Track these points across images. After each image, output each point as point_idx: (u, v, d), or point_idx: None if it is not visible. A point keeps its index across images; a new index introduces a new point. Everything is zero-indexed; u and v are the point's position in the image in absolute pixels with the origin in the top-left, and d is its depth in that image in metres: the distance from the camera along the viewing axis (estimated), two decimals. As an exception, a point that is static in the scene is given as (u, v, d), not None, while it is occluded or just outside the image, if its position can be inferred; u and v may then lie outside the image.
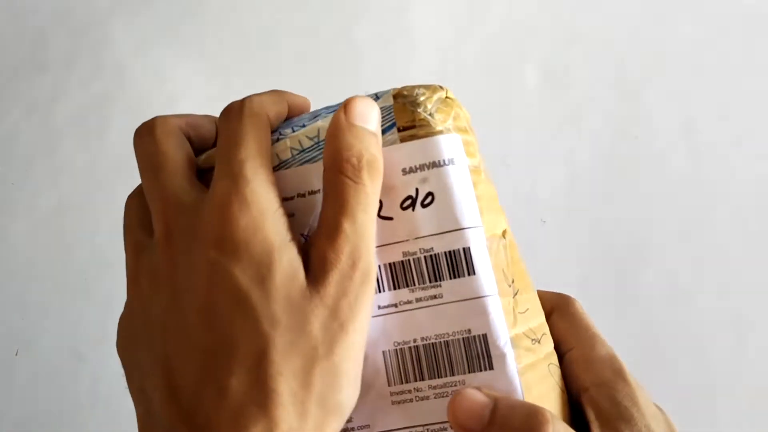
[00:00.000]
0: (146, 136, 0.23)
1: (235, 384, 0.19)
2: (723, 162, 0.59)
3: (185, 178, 0.22)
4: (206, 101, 0.64)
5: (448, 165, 0.22)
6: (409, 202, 0.22)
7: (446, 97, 0.24)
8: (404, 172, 0.22)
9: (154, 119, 0.24)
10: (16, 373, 0.56)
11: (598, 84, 0.63)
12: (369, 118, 0.22)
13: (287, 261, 0.20)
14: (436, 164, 0.22)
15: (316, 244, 0.21)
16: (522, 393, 0.21)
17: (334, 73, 0.65)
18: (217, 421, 0.19)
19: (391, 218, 0.22)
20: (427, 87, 0.23)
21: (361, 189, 0.21)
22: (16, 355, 0.56)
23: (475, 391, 0.21)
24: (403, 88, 0.23)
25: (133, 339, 0.22)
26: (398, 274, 0.22)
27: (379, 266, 0.22)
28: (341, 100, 0.24)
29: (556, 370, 0.24)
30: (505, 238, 0.24)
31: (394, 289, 0.22)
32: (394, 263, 0.22)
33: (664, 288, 0.55)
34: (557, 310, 0.26)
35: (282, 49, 0.68)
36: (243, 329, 0.19)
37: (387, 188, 0.22)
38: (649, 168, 0.59)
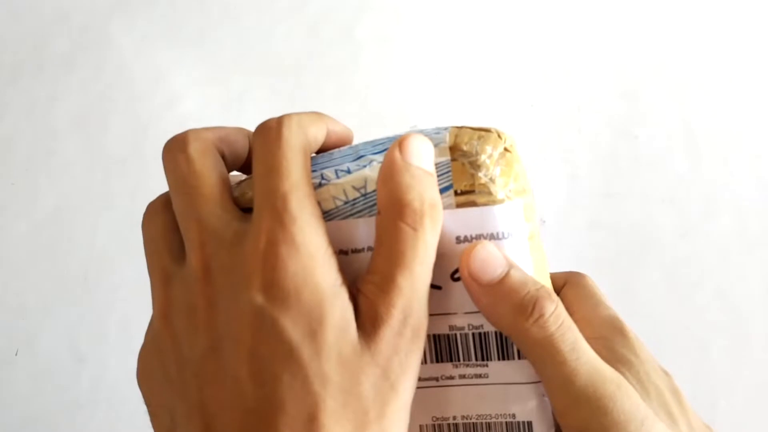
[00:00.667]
0: (179, 153, 0.21)
1: None
2: (723, 162, 0.59)
3: (224, 207, 0.20)
4: (206, 101, 0.64)
5: (506, 238, 0.20)
6: (459, 273, 0.21)
7: (505, 149, 0.22)
8: (458, 240, 0.20)
9: (187, 133, 0.21)
10: (16, 373, 0.56)
11: (598, 84, 0.63)
12: (425, 157, 0.20)
13: (339, 312, 0.19)
14: (493, 236, 0.20)
15: (368, 294, 0.19)
16: None
17: (334, 73, 0.65)
18: None
19: (440, 287, 0.21)
20: (485, 136, 0.21)
21: (420, 238, 0.19)
22: (16, 355, 0.56)
23: (496, 249, 0.20)
24: (460, 136, 0.21)
25: (162, 378, 0.21)
26: (443, 348, 0.21)
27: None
28: (423, 128, 0.23)
29: None
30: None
31: (437, 362, 0.21)
32: (439, 335, 0.21)
33: (664, 288, 0.55)
34: (569, 283, 0.26)
35: (282, 49, 0.68)
36: (292, 387, 0.18)
37: (439, 255, 0.20)
38: (649, 168, 0.59)
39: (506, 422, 0.21)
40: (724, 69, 0.63)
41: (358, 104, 0.62)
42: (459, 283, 0.20)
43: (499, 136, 0.22)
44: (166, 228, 0.21)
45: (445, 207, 0.20)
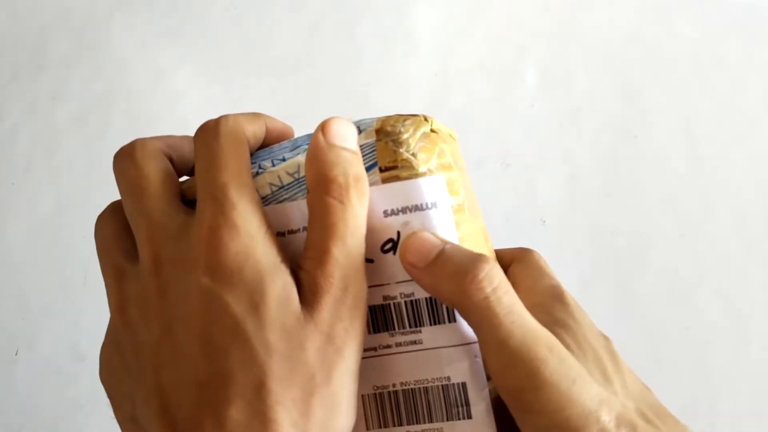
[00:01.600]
0: (126, 159, 0.22)
1: (234, 415, 0.19)
2: (723, 162, 0.59)
3: (170, 203, 0.22)
4: (206, 101, 0.64)
5: (430, 208, 0.22)
6: (390, 245, 0.22)
7: (431, 131, 0.23)
8: (385, 214, 0.22)
9: (134, 142, 0.23)
10: (16, 373, 0.56)
11: (598, 84, 0.63)
12: (348, 137, 0.21)
13: (280, 286, 0.20)
14: (418, 207, 0.22)
15: (306, 268, 0.20)
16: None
17: (334, 73, 0.65)
18: None
19: (372, 260, 0.22)
20: (411, 119, 0.23)
21: (348, 210, 0.20)
22: (16, 355, 0.56)
23: (430, 234, 0.21)
24: (386, 120, 0.23)
25: (121, 368, 0.22)
26: (379, 318, 0.22)
27: None
28: (356, 119, 0.24)
29: None
30: None
31: (374, 332, 0.22)
32: (374, 306, 0.22)
33: (664, 288, 0.55)
34: (516, 259, 0.27)
35: (282, 49, 0.68)
36: (240, 359, 0.19)
37: (369, 230, 0.21)
38: (649, 168, 0.59)
39: (442, 386, 0.21)
40: (725, 69, 0.63)
41: (359, 104, 0.62)
42: (389, 255, 0.22)
43: (425, 119, 0.23)
44: (117, 230, 0.23)
45: (372, 184, 0.22)
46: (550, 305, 0.24)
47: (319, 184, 0.21)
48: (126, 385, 0.21)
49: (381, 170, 0.22)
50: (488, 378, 0.22)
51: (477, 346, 0.21)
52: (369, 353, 0.22)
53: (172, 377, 0.20)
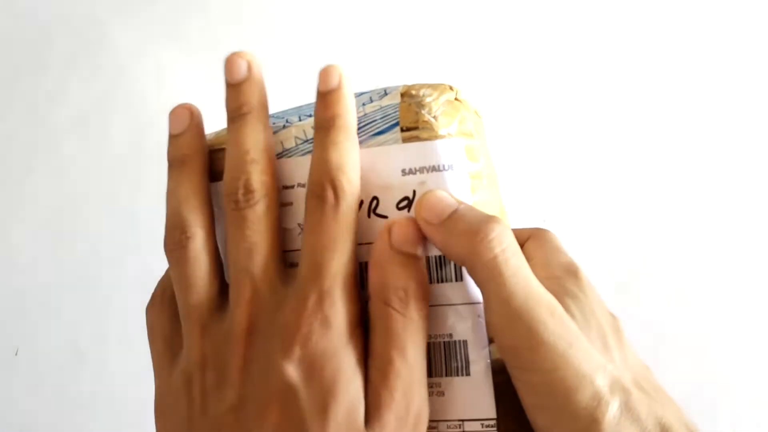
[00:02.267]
0: (247, 208, 0.22)
1: None
2: (723, 162, 0.59)
3: (277, 269, 0.22)
4: (206, 101, 0.64)
5: (447, 170, 0.22)
6: (405, 203, 0.22)
7: (455, 99, 0.23)
8: (403, 173, 0.22)
9: (257, 192, 0.22)
10: (16, 373, 0.56)
11: (598, 84, 0.63)
12: (412, 241, 0.21)
13: (352, 393, 0.20)
14: (435, 168, 0.22)
15: (371, 378, 0.20)
16: (495, 405, 0.21)
17: (393, 82, 0.65)
18: None
19: (386, 216, 0.22)
20: (436, 87, 0.23)
21: (409, 322, 0.20)
22: (16, 354, 0.56)
23: (446, 193, 0.22)
24: (413, 86, 0.23)
25: (183, 423, 0.21)
26: None
27: (368, 264, 0.22)
28: (386, 86, 0.24)
29: None
30: None
31: None
32: None
33: (664, 288, 0.55)
34: (533, 236, 0.27)
35: (282, 49, 0.68)
36: None
37: (385, 187, 0.22)
38: (649, 168, 0.59)
39: (444, 342, 0.22)
40: (725, 69, 0.63)
41: (358, 104, 0.62)
42: (404, 212, 0.22)
43: (450, 88, 0.23)
44: (208, 273, 0.22)
45: (392, 142, 0.22)
46: (563, 278, 0.24)
47: (381, 292, 0.21)
48: None
49: (402, 130, 0.22)
50: (490, 341, 0.22)
51: (481, 306, 0.22)
52: None
53: None
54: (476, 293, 0.22)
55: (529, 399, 0.20)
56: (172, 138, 0.24)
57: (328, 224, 0.21)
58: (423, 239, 0.22)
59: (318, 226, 0.21)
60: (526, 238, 0.27)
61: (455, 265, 0.22)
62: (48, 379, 0.55)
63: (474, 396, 0.21)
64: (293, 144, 0.23)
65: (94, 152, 0.64)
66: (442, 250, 0.22)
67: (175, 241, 0.22)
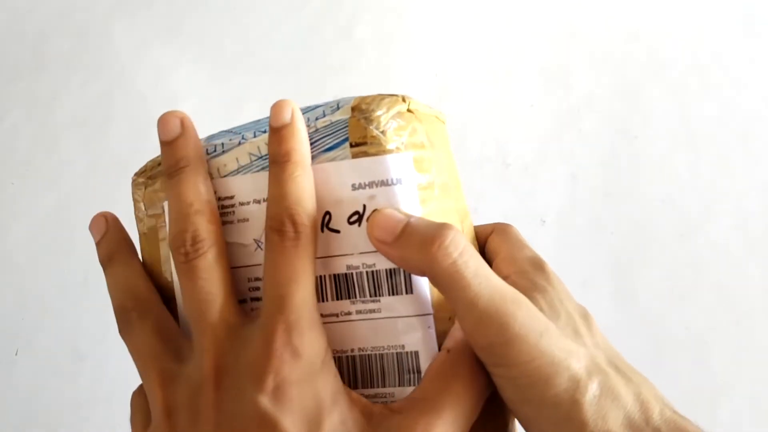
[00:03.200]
0: (191, 266, 0.22)
1: None
2: (723, 162, 0.59)
3: (235, 312, 0.22)
4: (206, 101, 0.64)
5: (395, 184, 0.22)
6: (356, 217, 0.22)
7: (407, 110, 0.23)
8: (353, 187, 0.22)
9: (200, 246, 0.22)
10: (16, 373, 0.56)
11: (598, 84, 0.63)
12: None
13: (338, 418, 0.20)
14: (384, 183, 0.22)
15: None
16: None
17: (334, 73, 0.65)
18: None
19: (338, 231, 0.22)
20: (388, 99, 0.23)
21: None
22: (16, 354, 0.56)
23: (394, 210, 0.22)
24: (364, 99, 0.23)
25: None
26: (341, 286, 0.23)
27: (324, 276, 0.23)
28: (341, 97, 0.24)
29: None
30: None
31: (337, 299, 0.23)
32: (338, 275, 0.23)
33: (664, 288, 0.55)
34: (495, 230, 0.28)
35: (282, 49, 0.68)
36: None
37: (336, 201, 0.22)
38: (649, 168, 0.59)
39: (396, 353, 0.22)
40: (725, 69, 0.63)
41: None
42: (354, 227, 0.22)
43: (403, 99, 0.24)
44: (159, 333, 0.23)
45: (342, 158, 0.23)
46: (530, 272, 0.25)
47: None
48: None
49: (351, 146, 0.23)
50: (439, 349, 0.22)
51: (431, 317, 0.22)
52: (331, 319, 0.23)
53: None
54: (426, 305, 0.22)
55: (510, 394, 0.21)
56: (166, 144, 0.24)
57: (290, 258, 0.21)
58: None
59: (279, 259, 0.21)
60: (489, 233, 0.28)
61: (405, 277, 0.22)
62: (48, 379, 0.55)
63: None
64: (248, 160, 0.23)
65: (93, 152, 0.64)
66: (401, 265, 0.22)
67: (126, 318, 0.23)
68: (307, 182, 0.22)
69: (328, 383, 0.21)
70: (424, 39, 0.67)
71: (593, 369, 0.20)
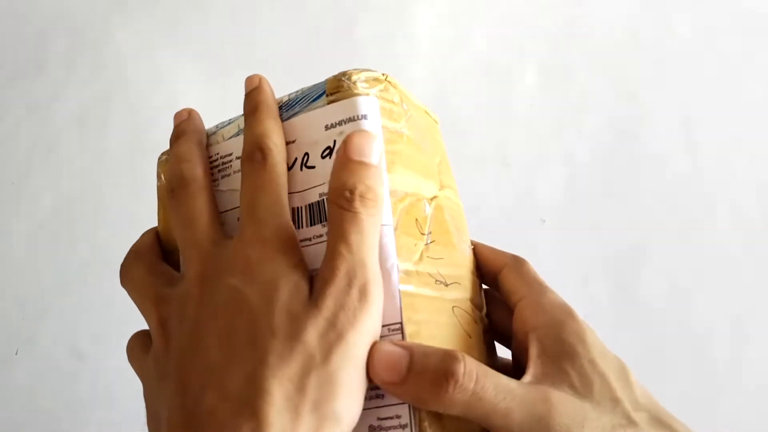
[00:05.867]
0: (182, 192, 0.25)
1: (232, 386, 0.20)
2: (723, 162, 0.59)
3: (216, 231, 0.25)
4: (206, 101, 0.64)
5: (361, 119, 0.25)
6: (327, 151, 0.25)
7: (387, 82, 0.27)
8: (326, 128, 0.25)
9: (185, 179, 0.26)
10: (16, 373, 0.56)
11: (598, 84, 0.63)
12: (367, 151, 0.24)
13: (294, 282, 0.22)
14: (351, 119, 0.25)
15: (319, 270, 0.23)
16: (401, 308, 0.23)
17: (334, 73, 0.65)
18: (213, 424, 0.20)
19: (313, 167, 0.25)
20: (368, 72, 0.26)
21: (354, 216, 0.23)
22: (16, 354, 0.56)
23: (389, 344, 0.22)
24: (352, 71, 0.27)
25: (157, 377, 0.23)
26: (314, 213, 0.25)
27: (301, 207, 0.25)
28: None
29: (462, 314, 0.26)
30: (432, 201, 0.27)
31: (311, 225, 0.25)
32: (311, 204, 0.25)
33: (664, 288, 0.55)
34: (508, 266, 0.28)
35: (282, 49, 0.68)
36: (247, 340, 0.21)
37: (312, 143, 0.25)
38: (649, 168, 0.59)
39: None
40: (724, 69, 0.63)
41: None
42: (326, 159, 0.25)
43: (383, 75, 0.27)
44: (151, 266, 0.26)
45: (319, 107, 0.26)
46: (562, 323, 0.24)
47: (333, 194, 0.23)
48: (159, 390, 0.23)
49: (327, 95, 0.26)
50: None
51: (391, 227, 0.24)
52: (305, 243, 0.25)
53: (191, 365, 0.22)
54: (387, 217, 0.24)
55: None
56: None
57: (259, 175, 0.24)
58: (377, 147, 0.24)
59: (249, 179, 0.24)
60: (501, 266, 0.28)
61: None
62: (48, 379, 0.55)
63: (386, 308, 0.23)
64: (235, 131, 0.28)
65: (93, 152, 0.64)
66: (413, 403, 0.22)
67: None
68: (274, 122, 0.25)
69: (292, 256, 0.23)
70: (424, 39, 0.67)
71: None
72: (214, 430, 0.20)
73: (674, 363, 0.52)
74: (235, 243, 0.23)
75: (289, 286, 0.22)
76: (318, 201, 0.25)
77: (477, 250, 0.30)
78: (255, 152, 0.24)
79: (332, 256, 0.22)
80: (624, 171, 0.59)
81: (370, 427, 0.22)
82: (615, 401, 0.22)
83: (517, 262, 0.28)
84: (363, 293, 0.22)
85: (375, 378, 0.22)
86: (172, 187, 0.25)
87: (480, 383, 0.21)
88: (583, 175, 0.59)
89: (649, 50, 0.64)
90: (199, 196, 0.25)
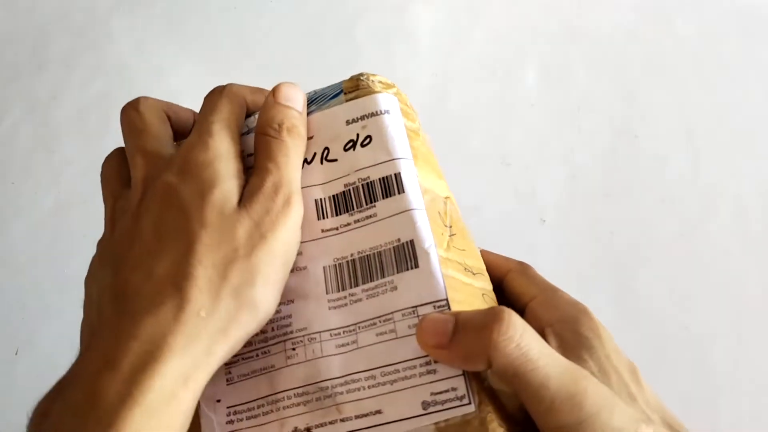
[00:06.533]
0: (131, 108, 0.28)
1: (160, 268, 0.22)
2: (723, 162, 0.59)
3: (162, 140, 0.27)
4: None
5: (384, 114, 0.26)
6: (350, 144, 0.26)
7: (394, 86, 0.28)
8: (347, 122, 0.26)
9: (139, 98, 0.28)
10: (16, 373, 0.56)
11: (598, 84, 0.63)
12: (293, 98, 0.26)
13: (228, 187, 0.24)
14: (374, 114, 0.26)
15: (248, 182, 0.25)
16: (445, 288, 0.23)
17: (334, 73, 0.65)
18: (140, 298, 0.22)
19: (336, 159, 0.26)
20: (380, 76, 0.28)
21: (280, 143, 0.25)
22: (16, 354, 0.56)
23: (434, 313, 0.23)
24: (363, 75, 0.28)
25: (98, 262, 0.26)
26: (340, 203, 0.25)
27: (324, 198, 0.26)
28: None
29: (491, 302, 0.26)
30: (446, 201, 0.27)
31: (337, 215, 0.25)
32: (336, 194, 0.26)
33: (663, 288, 0.55)
34: (514, 270, 0.29)
35: (282, 49, 0.68)
36: (178, 228, 0.23)
37: (333, 137, 0.26)
38: (649, 168, 0.59)
39: (393, 247, 0.24)
40: (725, 69, 0.63)
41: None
42: (350, 152, 0.26)
43: (393, 84, 0.28)
44: (118, 165, 0.28)
45: (338, 104, 0.27)
46: (577, 320, 0.25)
47: (261, 128, 0.26)
48: (97, 276, 0.25)
49: (345, 94, 0.27)
50: (436, 244, 0.24)
51: (423, 211, 0.25)
52: (332, 232, 0.25)
53: (126, 252, 0.24)
54: (418, 200, 0.25)
55: None
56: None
57: (220, 100, 0.27)
58: (301, 97, 0.27)
59: (210, 100, 0.27)
60: (506, 271, 0.29)
61: (397, 181, 0.25)
62: (48, 378, 0.55)
63: (424, 284, 0.23)
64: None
65: (94, 151, 0.64)
66: (464, 366, 0.22)
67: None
68: (299, 108, 0.27)
69: (230, 166, 0.25)
70: (424, 39, 0.67)
71: None
72: (140, 305, 0.22)
73: (674, 363, 0.52)
74: (182, 145, 0.25)
75: (223, 189, 0.24)
76: (343, 191, 0.26)
77: (482, 255, 0.30)
78: (216, 87, 0.28)
79: (260, 171, 0.25)
80: (624, 171, 0.59)
81: (424, 402, 0.22)
82: (631, 397, 0.22)
83: (523, 266, 0.29)
84: (287, 202, 0.24)
85: (423, 346, 0.22)
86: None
87: (525, 339, 0.21)
88: (583, 175, 0.59)
89: (649, 50, 0.64)
90: (153, 109, 0.28)
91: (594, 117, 0.62)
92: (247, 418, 0.24)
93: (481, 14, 0.68)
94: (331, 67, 0.65)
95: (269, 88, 0.30)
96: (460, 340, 0.21)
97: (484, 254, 0.30)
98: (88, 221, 0.60)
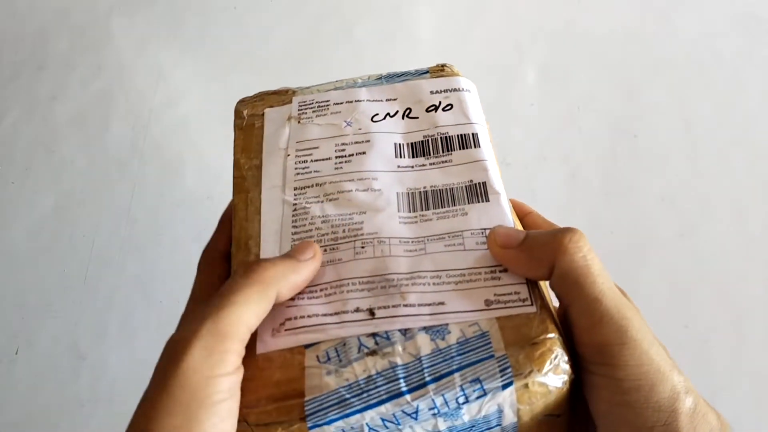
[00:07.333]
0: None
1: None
2: (722, 162, 0.59)
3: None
4: (206, 101, 0.64)
5: (465, 91, 0.29)
6: (432, 107, 0.29)
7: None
8: (431, 92, 0.29)
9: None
10: (16, 372, 0.56)
11: (598, 84, 0.63)
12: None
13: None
14: (457, 90, 0.29)
15: None
16: (513, 222, 0.25)
17: (334, 72, 0.65)
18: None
19: (417, 117, 0.29)
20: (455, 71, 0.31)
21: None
22: (17, 353, 0.56)
23: (508, 228, 0.24)
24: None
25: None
26: (417, 149, 0.28)
27: (402, 144, 0.28)
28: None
29: None
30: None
31: (414, 158, 0.28)
32: (415, 142, 0.28)
33: (663, 287, 0.55)
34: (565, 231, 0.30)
35: (282, 49, 0.68)
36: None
37: (416, 101, 0.29)
38: (649, 168, 0.59)
39: (465, 186, 0.26)
40: (725, 69, 0.63)
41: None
42: (431, 113, 0.29)
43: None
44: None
45: (425, 79, 0.30)
46: (622, 291, 0.25)
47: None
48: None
49: (430, 73, 0.30)
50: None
51: (495, 165, 0.27)
52: (406, 169, 0.27)
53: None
54: (490, 153, 0.28)
55: (608, 395, 0.21)
56: None
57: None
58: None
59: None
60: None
61: (474, 139, 0.27)
62: (48, 377, 0.55)
63: (494, 214, 0.25)
64: (331, 87, 0.32)
65: (93, 151, 0.64)
66: (527, 267, 0.23)
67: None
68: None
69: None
70: (424, 38, 0.67)
71: (688, 386, 0.21)
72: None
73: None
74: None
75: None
76: (422, 140, 0.28)
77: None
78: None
79: None
80: (624, 171, 0.59)
81: (486, 300, 0.23)
82: (672, 365, 0.23)
83: (574, 229, 0.30)
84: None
85: (492, 245, 0.23)
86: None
87: (591, 254, 0.22)
88: (583, 175, 0.59)
89: (649, 50, 0.65)
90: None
91: (594, 117, 0.62)
92: (309, 298, 0.24)
93: (481, 14, 0.68)
94: (331, 67, 0.65)
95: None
96: (530, 245, 0.23)
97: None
98: (88, 222, 0.60)
